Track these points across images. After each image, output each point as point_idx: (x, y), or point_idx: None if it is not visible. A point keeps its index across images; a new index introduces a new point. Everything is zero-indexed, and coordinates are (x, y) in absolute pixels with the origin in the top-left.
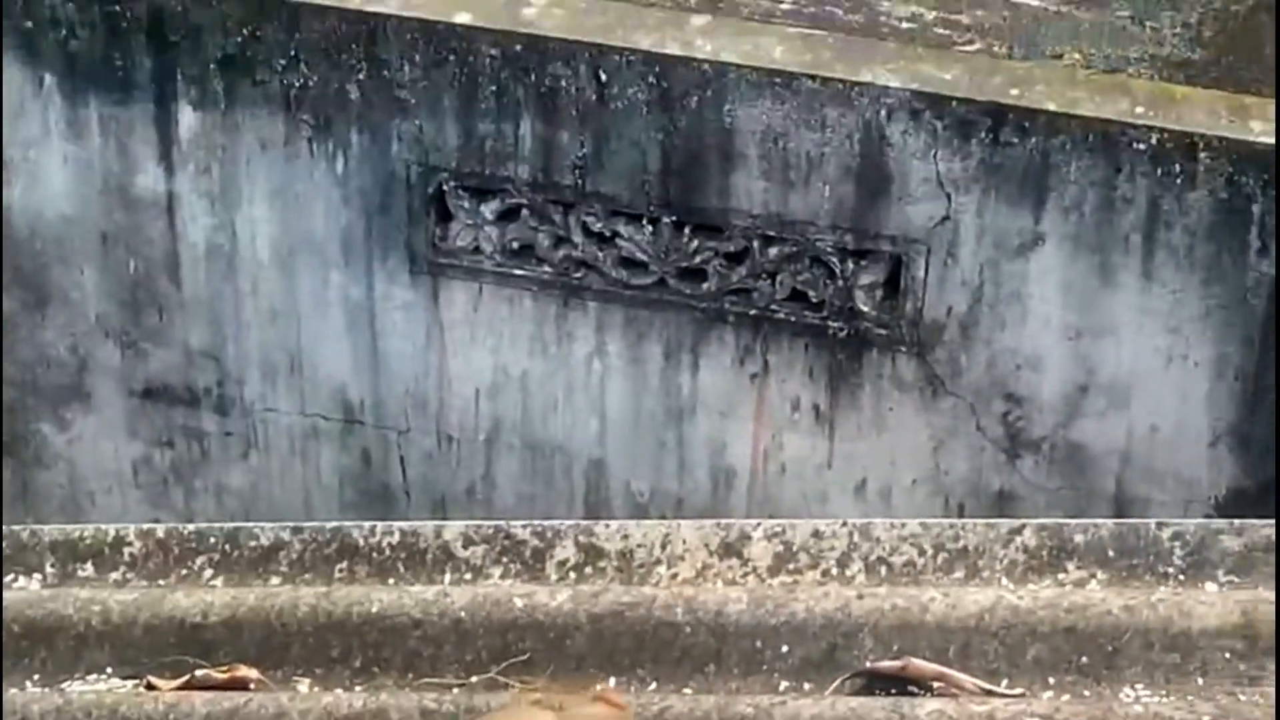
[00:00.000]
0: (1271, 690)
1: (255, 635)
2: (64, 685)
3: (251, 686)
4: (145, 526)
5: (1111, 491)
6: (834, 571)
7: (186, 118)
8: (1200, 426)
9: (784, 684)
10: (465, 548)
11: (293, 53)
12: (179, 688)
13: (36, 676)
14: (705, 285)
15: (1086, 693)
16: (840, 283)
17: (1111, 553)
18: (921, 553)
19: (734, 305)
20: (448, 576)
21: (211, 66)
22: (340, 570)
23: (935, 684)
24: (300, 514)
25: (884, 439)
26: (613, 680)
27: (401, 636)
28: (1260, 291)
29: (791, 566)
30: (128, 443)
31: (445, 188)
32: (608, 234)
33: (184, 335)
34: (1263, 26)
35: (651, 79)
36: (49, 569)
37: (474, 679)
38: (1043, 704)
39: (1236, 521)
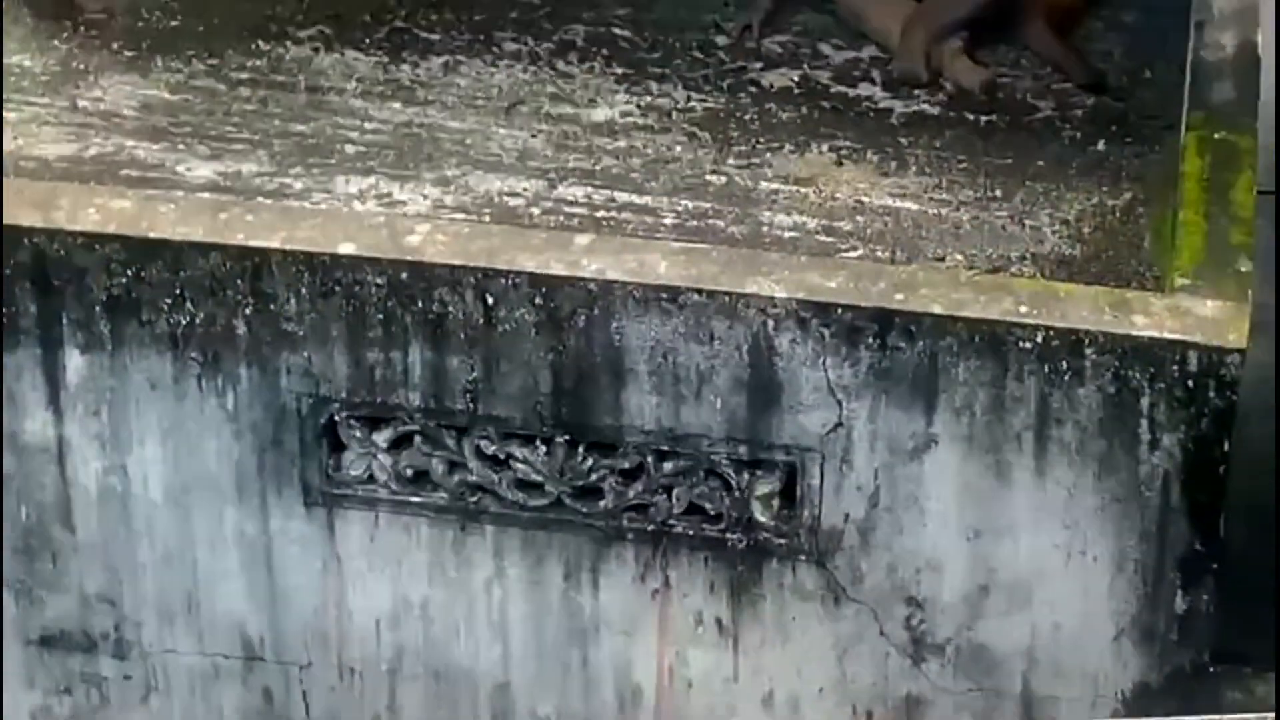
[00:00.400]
0: None
1: None
2: None
3: None
4: None
5: (1019, 691)
6: None
7: (74, 361)
8: (1103, 621)
9: None
10: None
11: (178, 291)
12: None
13: None
14: (602, 503)
15: None
16: (737, 494)
17: None
18: None
19: (632, 522)
20: None
21: (97, 309)
22: None
23: None
24: None
25: (788, 649)
26: None
27: None
28: (1153, 484)
29: None
30: (26, 692)
31: (337, 418)
32: (502, 456)
33: (80, 580)
34: (1140, 220)
35: (538, 300)
36: None
37: None
38: None
39: None
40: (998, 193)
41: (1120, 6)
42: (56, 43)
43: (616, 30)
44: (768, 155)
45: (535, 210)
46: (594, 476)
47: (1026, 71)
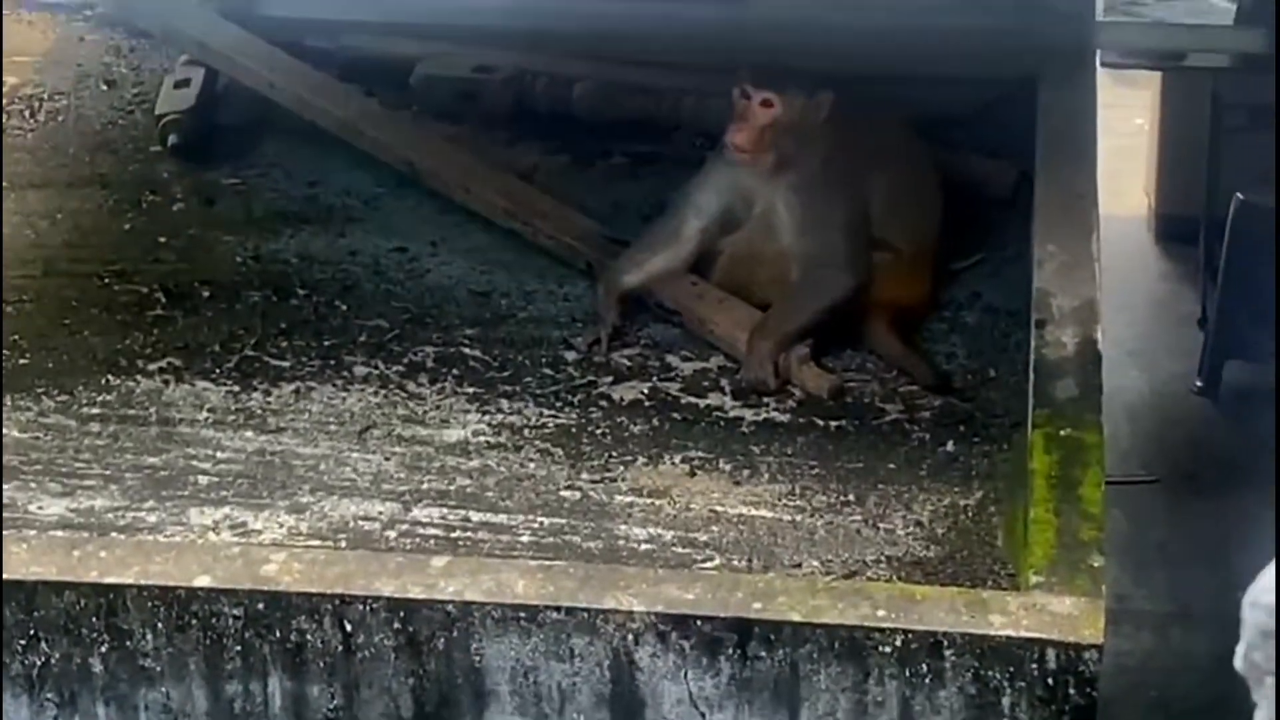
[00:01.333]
0: None
1: None
2: None
3: None
4: None
5: None
6: None
7: None
8: None
9: None
10: None
11: (32, 632)
12: None
13: None
14: None
15: None
16: None
17: None
18: None
19: None
20: None
21: None
22: None
23: None
24: None
25: None
26: None
27: None
28: None
29: None
30: None
31: None
32: None
33: None
34: (992, 519)
35: (397, 624)
36: None
37: None
38: None
39: None
40: (850, 497)
41: (961, 307)
42: None
43: (465, 350)
44: (621, 468)
45: (391, 533)
46: None
47: (873, 375)
